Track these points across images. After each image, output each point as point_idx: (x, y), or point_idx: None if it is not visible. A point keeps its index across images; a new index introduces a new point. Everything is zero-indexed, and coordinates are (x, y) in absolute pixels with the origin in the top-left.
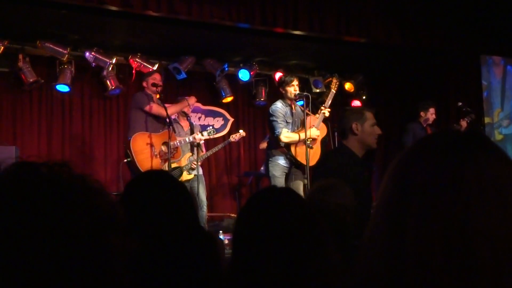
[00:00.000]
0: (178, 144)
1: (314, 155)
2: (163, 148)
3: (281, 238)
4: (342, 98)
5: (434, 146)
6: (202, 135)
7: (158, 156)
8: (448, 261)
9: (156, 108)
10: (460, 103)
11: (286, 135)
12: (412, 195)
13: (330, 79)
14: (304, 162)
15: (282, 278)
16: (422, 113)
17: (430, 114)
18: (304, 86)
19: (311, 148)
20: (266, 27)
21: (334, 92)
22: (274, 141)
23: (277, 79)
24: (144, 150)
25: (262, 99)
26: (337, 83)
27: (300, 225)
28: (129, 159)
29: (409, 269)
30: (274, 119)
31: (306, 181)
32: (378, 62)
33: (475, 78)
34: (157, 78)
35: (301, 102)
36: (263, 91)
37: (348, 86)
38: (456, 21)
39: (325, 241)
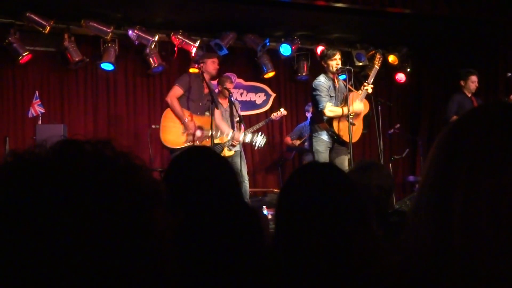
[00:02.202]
0: (209, 134)
1: (356, 132)
2: (198, 132)
3: (324, 213)
4: (386, 70)
5: (483, 117)
6: (245, 135)
7: (185, 134)
8: (497, 232)
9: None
10: (510, 74)
11: (330, 109)
12: (460, 166)
13: (373, 52)
14: (345, 138)
15: (325, 253)
16: (462, 82)
17: (471, 82)
18: (346, 59)
19: (353, 124)
20: (307, 1)
21: (378, 68)
22: (318, 115)
23: (319, 53)
24: (175, 125)
25: (304, 74)
26: (381, 58)
27: (342, 200)
28: (157, 126)
29: (457, 239)
30: (318, 93)
31: (350, 155)
32: (423, 33)
33: None
34: (216, 61)
35: (343, 76)
36: (305, 65)
37: (392, 58)
38: None
39: (368, 216)
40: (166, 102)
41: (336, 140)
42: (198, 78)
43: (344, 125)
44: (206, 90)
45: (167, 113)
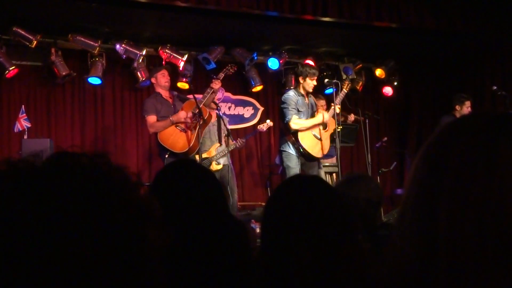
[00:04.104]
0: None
1: (323, 147)
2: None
3: (309, 225)
4: (374, 84)
5: (467, 127)
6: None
7: (185, 130)
8: (482, 244)
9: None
10: (495, 87)
11: (296, 121)
12: (444, 177)
13: (361, 65)
14: (310, 151)
15: (312, 266)
16: (457, 107)
17: (466, 108)
18: (334, 73)
19: (319, 139)
20: (295, 15)
21: (346, 92)
22: (285, 129)
23: (300, 67)
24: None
25: (291, 88)
26: (349, 85)
27: (328, 213)
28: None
29: (442, 252)
30: (286, 106)
31: (327, 169)
32: (410, 47)
33: (511, 61)
34: (166, 73)
35: (330, 90)
36: (293, 79)
37: (379, 72)
38: (491, 3)
39: (354, 229)
40: (152, 133)
41: (302, 155)
42: (158, 97)
43: (308, 139)
44: (170, 100)
45: (159, 135)
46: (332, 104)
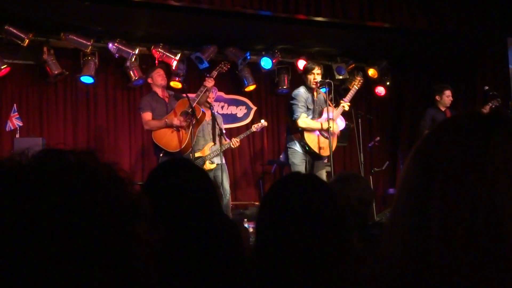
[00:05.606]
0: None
1: (330, 146)
2: (181, 118)
3: (304, 225)
4: (366, 84)
5: (457, 128)
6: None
7: (175, 132)
8: (474, 243)
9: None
10: (487, 87)
11: (304, 120)
12: (436, 177)
13: (353, 65)
14: (316, 150)
15: (305, 265)
16: (437, 97)
17: (446, 97)
18: (326, 73)
19: (327, 138)
20: (288, 14)
21: (357, 88)
22: (292, 126)
23: (302, 67)
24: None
25: (284, 87)
26: (361, 80)
27: (323, 212)
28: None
29: (434, 252)
30: (295, 102)
31: (330, 168)
32: (403, 47)
33: (502, 61)
34: (161, 72)
35: (323, 89)
36: (286, 79)
37: (371, 72)
38: (482, 3)
39: (348, 228)
40: (146, 130)
41: (308, 152)
42: (154, 95)
43: (315, 137)
44: (166, 100)
45: (153, 134)
46: (342, 101)
